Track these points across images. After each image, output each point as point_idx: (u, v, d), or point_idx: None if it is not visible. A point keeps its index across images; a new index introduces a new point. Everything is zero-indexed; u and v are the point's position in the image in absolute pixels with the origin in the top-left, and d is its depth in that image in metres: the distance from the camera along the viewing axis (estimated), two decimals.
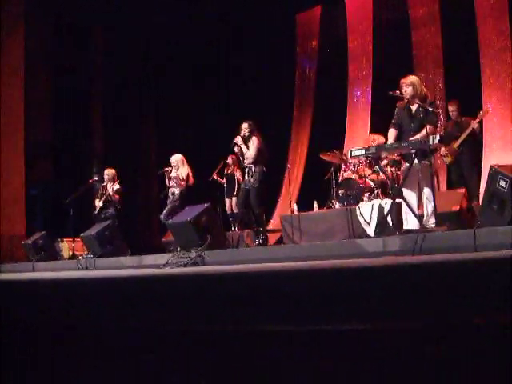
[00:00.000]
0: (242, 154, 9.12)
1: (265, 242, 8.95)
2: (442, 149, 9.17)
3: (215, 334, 2.78)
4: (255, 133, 9.10)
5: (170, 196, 10.48)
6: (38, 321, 3.62)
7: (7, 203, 12.34)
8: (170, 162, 10.51)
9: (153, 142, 16.83)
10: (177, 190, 10.38)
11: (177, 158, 10.50)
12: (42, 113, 15.54)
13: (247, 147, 8.98)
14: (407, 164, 6.79)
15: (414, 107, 6.81)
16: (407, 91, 6.76)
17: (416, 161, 6.55)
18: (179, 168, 10.41)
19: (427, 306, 2.29)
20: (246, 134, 9.03)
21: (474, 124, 9.14)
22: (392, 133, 6.92)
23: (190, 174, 10.45)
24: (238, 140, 9.03)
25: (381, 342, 2.31)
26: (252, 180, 8.91)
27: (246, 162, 9.03)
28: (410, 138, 6.66)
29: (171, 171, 10.51)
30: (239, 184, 12.07)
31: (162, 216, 10.38)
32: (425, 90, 6.95)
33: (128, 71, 16.27)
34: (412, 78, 6.91)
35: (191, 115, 16.36)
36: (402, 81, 6.87)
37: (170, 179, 10.51)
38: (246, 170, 9.09)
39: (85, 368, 3.23)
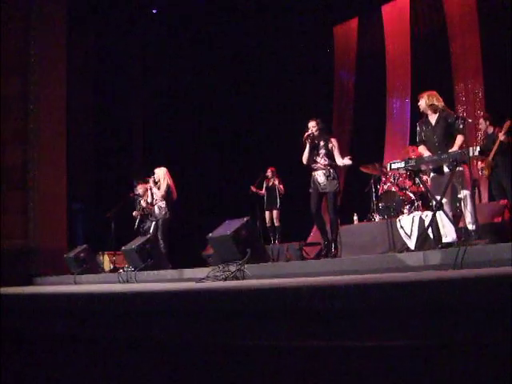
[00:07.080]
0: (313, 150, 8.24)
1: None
2: (479, 163, 9.16)
3: (255, 348, 2.79)
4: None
5: (157, 211, 10.47)
6: (78, 333, 3.67)
7: (50, 217, 12.50)
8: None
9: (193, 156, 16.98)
10: (163, 204, 10.38)
11: (160, 171, 10.55)
12: (84, 128, 15.79)
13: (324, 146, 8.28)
14: (434, 174, 6.87)
15: (432, 119, 6.99)
16: (421, 104, 7.08)
17: (446, 168, 6.59)
18: (160, 181, 10.43)
19: (467, 322, 2.26)
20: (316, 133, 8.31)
21: (501, 136, 9.10)
22: (423, 148, 7.10)
23: (173, 188, 10.47)
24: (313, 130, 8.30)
25: (425, 359, 2.30)
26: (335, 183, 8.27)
27: (326, 162, 8.25)
28: (435, 149, 6.81)
29: (152, 187, 10.57)
30: (281, 196, 12.08)
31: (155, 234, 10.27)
32: (442, 103, 7.03)
33: (167, 89, 16.48)
34: (426, 92, 7.13)
35: (229, 130, 16.43)
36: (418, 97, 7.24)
37: (152, 194, 10.54)
38: (324, 172, 8.20)
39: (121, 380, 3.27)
